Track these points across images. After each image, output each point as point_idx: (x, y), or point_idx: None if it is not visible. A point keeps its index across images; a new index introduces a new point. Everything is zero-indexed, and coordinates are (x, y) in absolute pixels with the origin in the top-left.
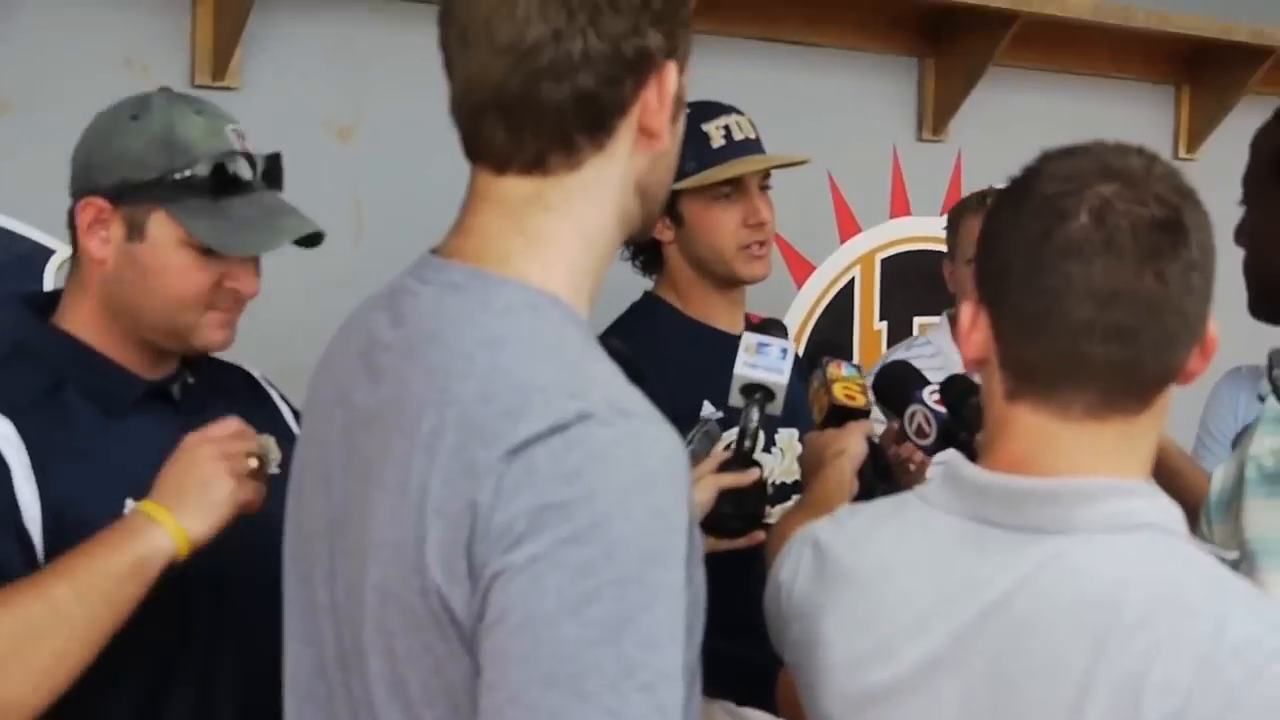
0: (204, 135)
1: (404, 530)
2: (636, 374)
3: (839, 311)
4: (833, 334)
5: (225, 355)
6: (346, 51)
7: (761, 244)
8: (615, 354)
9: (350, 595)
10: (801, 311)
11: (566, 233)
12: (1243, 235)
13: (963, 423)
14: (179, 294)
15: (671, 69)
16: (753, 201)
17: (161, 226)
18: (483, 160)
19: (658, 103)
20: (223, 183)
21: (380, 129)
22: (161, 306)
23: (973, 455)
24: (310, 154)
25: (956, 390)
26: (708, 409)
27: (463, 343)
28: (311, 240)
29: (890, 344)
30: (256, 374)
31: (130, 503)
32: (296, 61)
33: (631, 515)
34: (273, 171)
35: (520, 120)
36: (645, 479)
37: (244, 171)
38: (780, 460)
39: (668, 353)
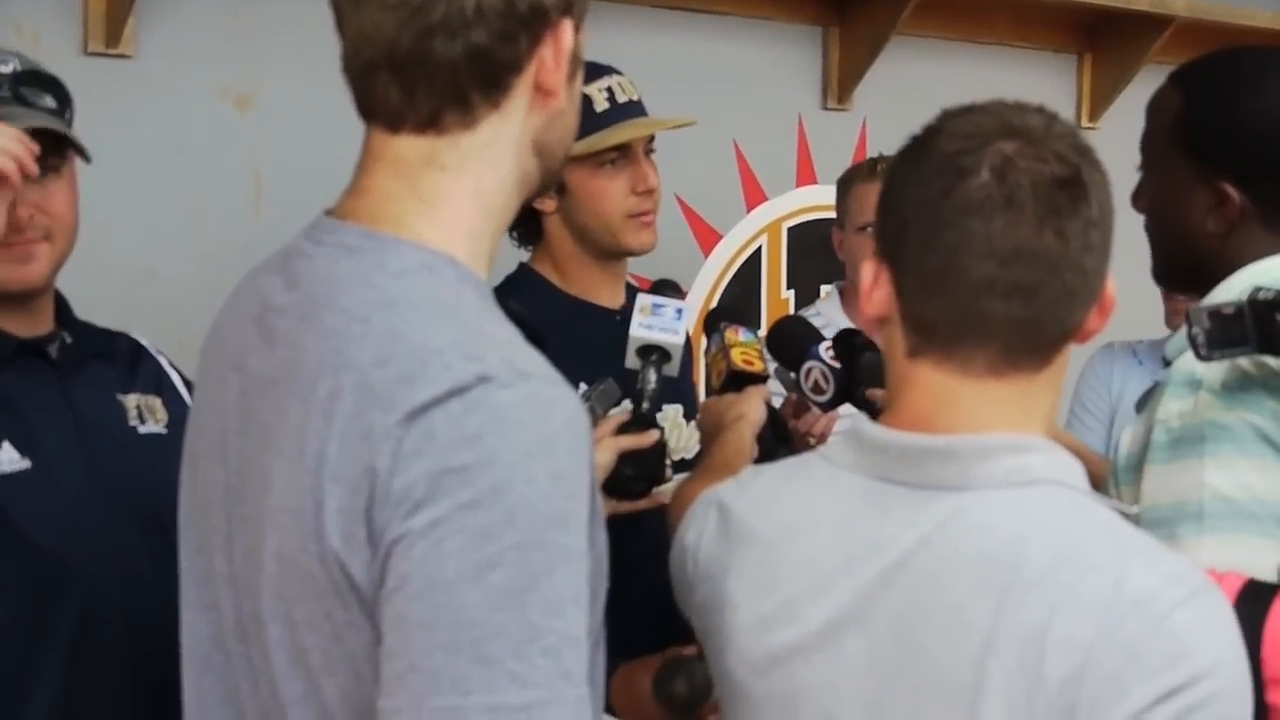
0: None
1: (302, 497)
2: (537, 336)
3: (746, 280)
4: (740, 302)
5: (115, 324)
6: (245, 19)
7: (648, 212)
8: (515, 316)
9: (249, 563)
10: (709, 280)
11: (463, 193)
12: (1142, 200)
13: (857, 378)
14: None
15: (567, 26)
16: (640, 167)
17: None
18: (376, 119)
19: (554, 60)
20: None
21: (280, 98)
22: None
23: (870, 411)
24: (207, 123)
25: (850, 345)
26: (582, 389)
27: (358, 306)
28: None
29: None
30: (144, 341)
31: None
32: (192, 29)
33: (533, 479)
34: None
35: (413, 77)
36: (546, 442)
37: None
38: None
39: (541, 326)
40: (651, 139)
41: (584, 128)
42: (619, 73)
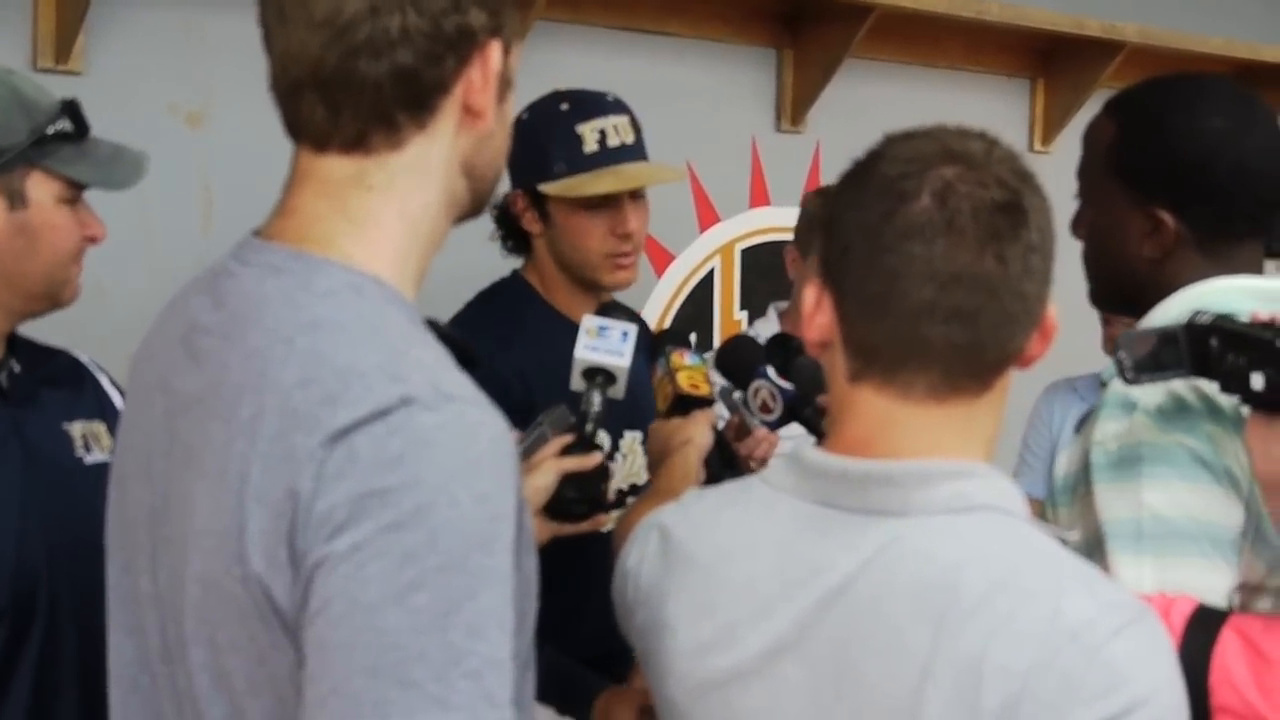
0: (39, 90)
1: (224, 518)
2: (467, 358)
3: (699, 301)
4: (693, 323)
5: (64, 341)
6: (195, 36)
7: (627, 254)
8: (444, 337)
9: (172, 585)
10: (662, 301)
11: (390, 213)
12: (1080, 227)
13: (792, 381)
14: (65, 249)
15: (495, 48)
16: (622, 212)
17: (40, 186)
18: (303, 139)
19: (482, 82)
20: (80, 126)
21: (230, 115)
22: (50, 267)
23: (817, 430)
24: (157, 140)
25: (785, 348)
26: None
27: (283, 326)
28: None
29: None
30: (83, 358)
31: None
32: (143, 46)
33: (456, 501)
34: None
35: (338, 97)
36: (470, 464)
37: (77, 117)
38: (621, 463)
39: (532, 338)
40: None
41: (570, 167)
42: (621, 111)
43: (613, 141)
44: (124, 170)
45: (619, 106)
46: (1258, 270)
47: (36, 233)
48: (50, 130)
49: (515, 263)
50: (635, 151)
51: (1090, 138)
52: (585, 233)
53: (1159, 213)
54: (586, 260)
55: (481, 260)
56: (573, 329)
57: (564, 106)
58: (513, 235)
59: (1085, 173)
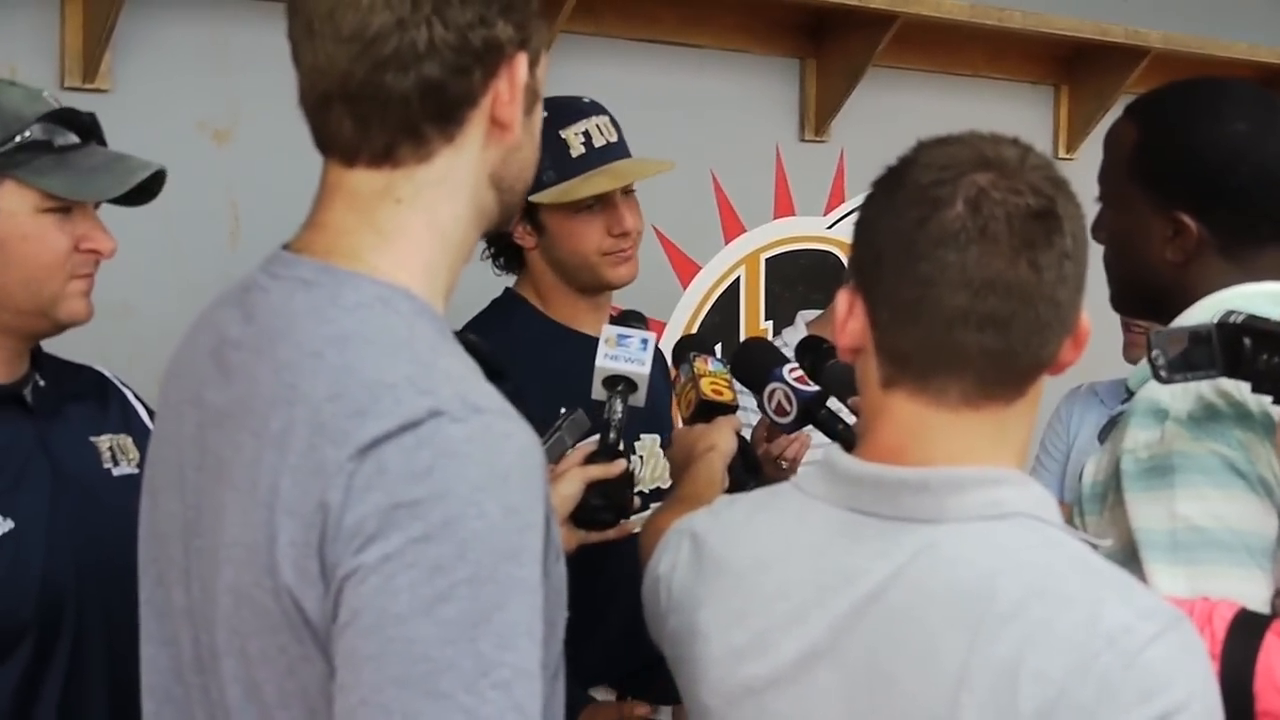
0: (25, 100)
1: (255, 531)
2: (494, 370)
3: (725, 311)
4: (719, 333)
5: (92, 359)
6: (221, 52)
7: (625, 250)
8: (473, 349)
9: (204, 597)
10: (687, 311)
11: (419, 226)
12: (1101, 231)
13: (823, 383)
14: (43, 262)
15: (522, 60)
16: (617, 211)
17: (13, 196)
18: (332, 152)
19: (509, 94)
20: (62, 134)
21: (257, 131)
22: (26, 280)
23: (832, 432)
24: (184, 157)
25: (816, 351)
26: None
27: (312, 340)
28: (155, 183)
29: None
30: (107, 373)
31: None
32: (169, 63)
33: (485, 513)
34: (97, 128)
35: (366, 110)
36: (499, 475)
37: (74, 126)
38: (640, 468)
39: (527, 353)
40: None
41: (559, 173)
42: (600, 111)
43: (598, 142)
44: (107, 181)
45: (597, 107)
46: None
47: (5, 243)
48: (18, 139)
49: (509, 281)
50: (620, 149)
51: (1111, 142)
52: (582, 236)
53: (1181, 216)
54: (586, 262)
55: (473, 282)
56: (573, 339)
57: (543, 114)
58: (504, 252)
59: (1106, 177)
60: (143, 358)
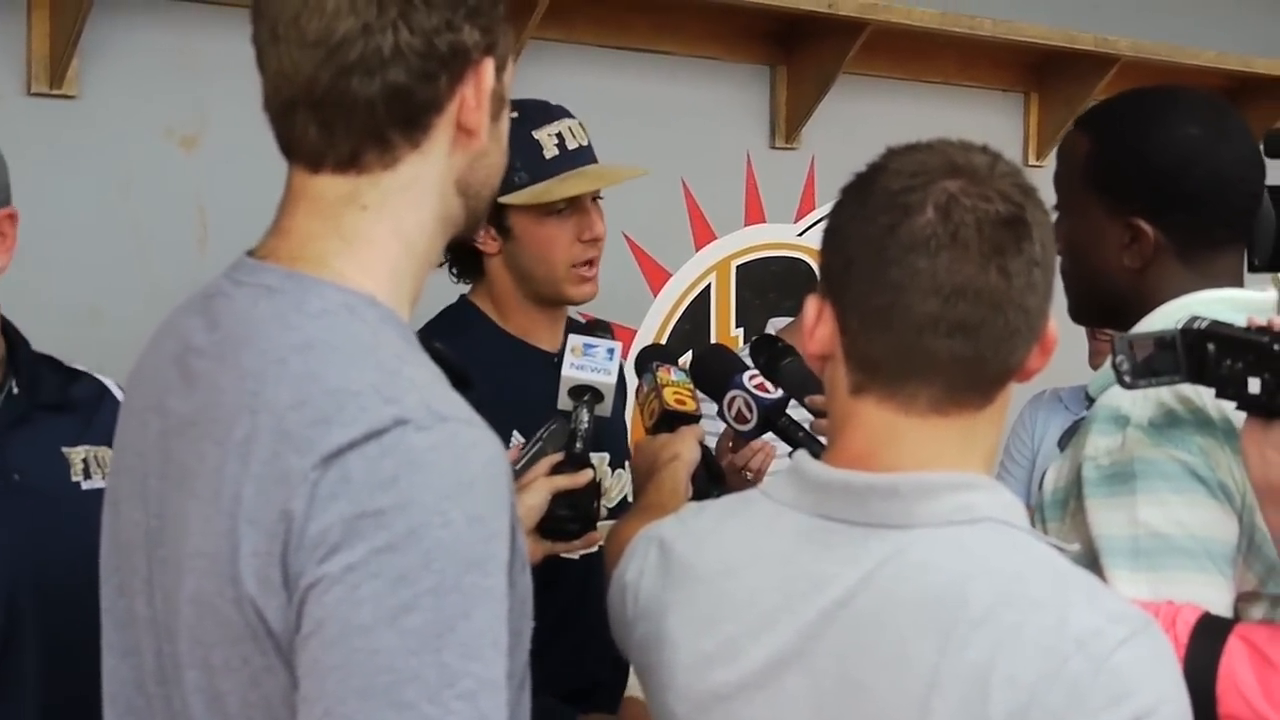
0: None
1: (218, 540)
2: (461, 378)
3: (695, 318)
4: (689, 340)
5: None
6: (189, 59)
7: (591, 263)
8: (439, 357)
9: (167, 607)
10: (658, 318)
11: (384, 233)
12: (1059, 241)
13: (779, 383)
14: None
15: (489, 66)
16: (588, 216)
17: None
18: (297, 158)
19: (475, 100)
20: None
21: (225, 137)
22: None
23: (793, 440)
24: (152, 163)
25: (770, 351)
26: (517, 438)
27: (276, 347)
28: None
29: None
30: (110, 383)
31: None
32: (136, 69)
33: (450, 522)
34: None
35: (331, 116)
36: (464, 485)
37: None
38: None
39: (482, 365)
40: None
41: (532, 174)
42: (569, 115)
43: (571, 144)
44: None
45: (566, 112)
46: (1238, 280)
47: None
48: None
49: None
50: (591, 154)
51: (1065, 151)
52: (551, 242)
53: (1137, 222)
54: (552, 273)
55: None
56: (528, 352)
57: (514, 115)
58: (462, 259)
59: (1062, 185)
60: (111, 364)
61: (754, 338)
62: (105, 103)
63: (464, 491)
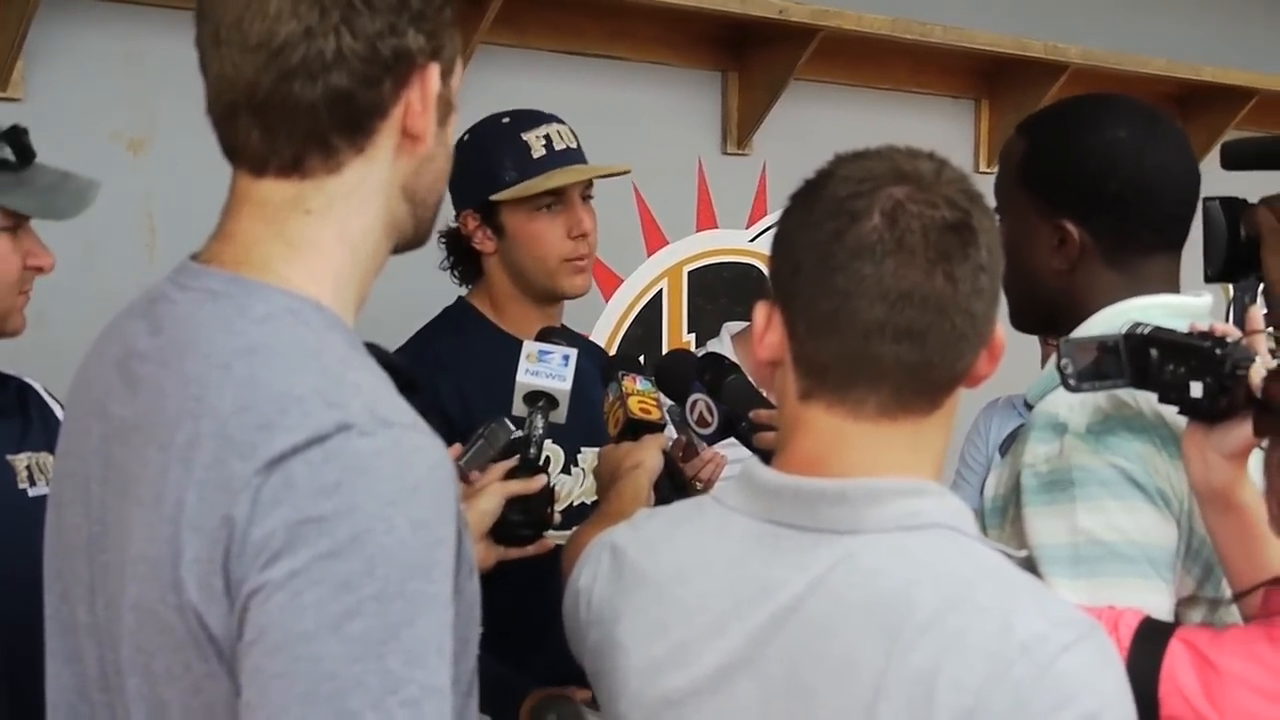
0: None
1: (160, 546)
2: (407, 383)
3: (648, 323)
4: (642, 345)
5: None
6: (136, 62)
7: (584, 257)
8: (386, 363)
9: (109, 614)
10: (610, 324)
11: (329, 238)
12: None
13: (724, 402)
14: (3, 280)
15: (434, 70)
16: (576, 212)
17: None
18: (240, 162)
19: (420, 105)
20: (23, 154)
21: (173, 141)
22: None
23: (751, 445)
24: (99, 167)
25: (715, 368)
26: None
27: (220, 352)
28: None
29: None
30: (36, 385)
31: None
32: (83, 72)
33: (394, 528)
34: (31, 146)
35: (273, 120)
36: (408, 490)
37: (15, 144)
38: (580, 482)
39: (478, 362)
40: (589, 185)
41: (520, 173)
42: (559, 121)
43: (558, 145)
44: (66, 199)
45: (556, 117)
46: (1172, 286)
47: None
48: None
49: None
50: (579, 155)
51: (1004, 155)
52: (541, 237)
53: (1065, 224)
54: (544, 267)
55: (434, 291)
56: (519, 348)
57: (505, 120)
58: (462, 260)
59: (999, 189)
60: (57, 369)
61: (702, 354)
62: (51, 106)
63: (408, 497)
